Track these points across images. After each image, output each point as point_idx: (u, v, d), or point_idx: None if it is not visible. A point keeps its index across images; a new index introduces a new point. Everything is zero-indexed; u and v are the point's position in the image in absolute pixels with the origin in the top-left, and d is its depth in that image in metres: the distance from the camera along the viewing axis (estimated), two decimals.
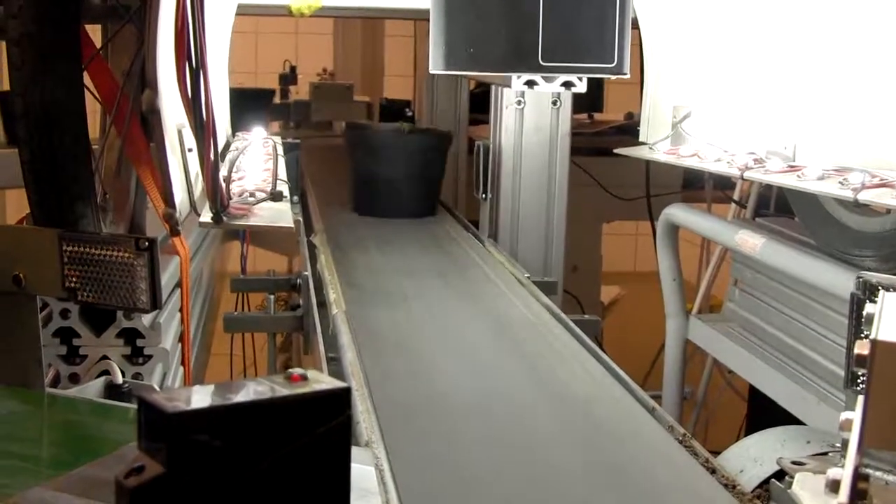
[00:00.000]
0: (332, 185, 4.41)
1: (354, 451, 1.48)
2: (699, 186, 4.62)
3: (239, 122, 2.85)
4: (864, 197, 1.86)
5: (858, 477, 1.12)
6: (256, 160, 2.04)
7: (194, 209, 1.60)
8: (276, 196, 1.70)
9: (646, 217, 4.55)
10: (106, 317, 2.01)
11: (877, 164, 1.98)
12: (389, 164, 3.84)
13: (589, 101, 5.85)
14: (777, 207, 3.58)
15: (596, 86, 5.89)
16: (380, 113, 6.53)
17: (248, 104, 6.52)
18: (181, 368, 2.33)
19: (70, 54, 1.78)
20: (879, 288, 1.40)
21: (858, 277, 1.41)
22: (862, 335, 1.42)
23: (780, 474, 1.55)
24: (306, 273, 2.87)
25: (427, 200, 3.95)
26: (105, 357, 1.99)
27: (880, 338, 1.04)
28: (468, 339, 2.35)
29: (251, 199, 1.68)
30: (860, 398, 1.11)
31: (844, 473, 1.08)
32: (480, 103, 4.73)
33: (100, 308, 1.92)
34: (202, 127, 1.38)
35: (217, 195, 1.52)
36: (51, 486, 1.27)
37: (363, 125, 4.42)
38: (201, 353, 3.45)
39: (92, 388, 1.79)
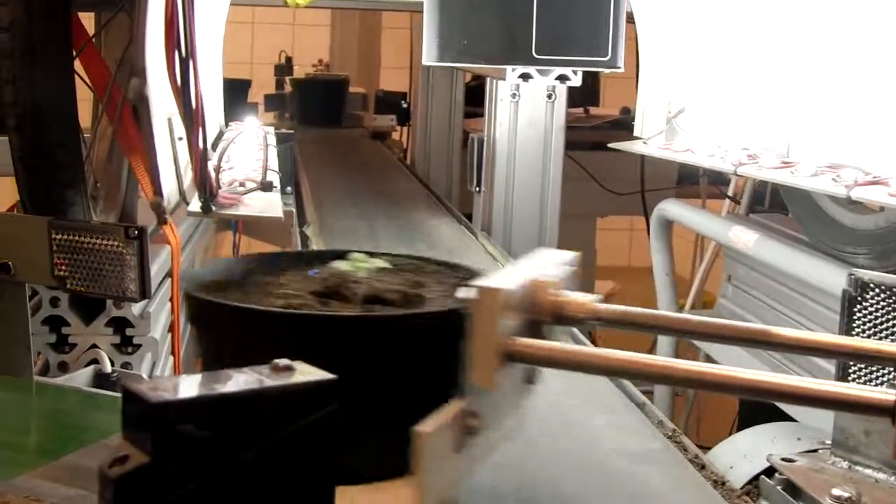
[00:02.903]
0: (327, 177, 4.41)
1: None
2: (694, 182, 4.62)
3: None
4: (857, 194, 1.86)
5: None
6: (248, 150, 2.03)
7: (184, 198, 1.60)
8: (265, 186, 1.70)
9: (640, 212, 4.54)
10: (95, 305, 2.00)
11: (870, 161, 1.98)
12: None
13: (585, 96, 5.84)
14: (771, 204, 3.57)
15: (592, 80, 5.89)
16: (375, 105, 6.54)
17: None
18: (171, 358, 2.32)
19: (61, 42, 1.77)
20: (871, 285, 1.40)
21: (850, 275, 1.41)
22: (853, 332, 1.42)
23: (770, 471, 1.55)
24: None
25: None
26: (94, 346, 1.99)
27: None
28: None
29: (241, 189, 1.68)
30: None
31: None
32: (476, 96, 4.72)
33: (89, 296, 1.91)
34: (191, 116, 1.38)
35: (206, 184, 1.51)
36: (37, 474, 1.26)
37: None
38: (192, 344, 3.44)
39: (81, 377, 1.79)
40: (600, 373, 0.88)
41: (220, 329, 1.06)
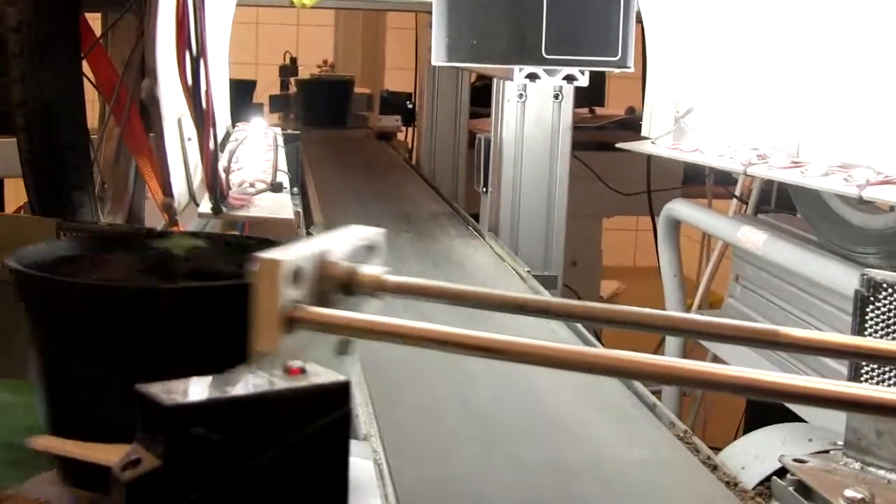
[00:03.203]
0: (333, 178, 4.41)
1: (352, 444, 1.46)
2: (700, 182, 4.61)
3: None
4: (868, 194, 1.85)
5: None
6: (256, 151, 2.03)
7: (193, 199, 1.59)
8: (275, 187, 1.69)
9: (646, 212, 4.53)
10: None
11: (882, 161, 1.97)
12: None
13: (590, 96, 5.84)
14: (778, 203, 3.57)
15: (598, 80, 5.88)
16: (380, 105, 6.53)
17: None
18: None
19: (69, 42, 1.76)
20: (884, 285, 1.39)
21: (863, 275, 1.40)
22: (866, 332, 1.41)
23: (782, 472, 1.54)
24: None
25: None
26: None
27: None
28: None
29: (251, 190, 1.67)
30: None
31: None
32: (482, 97, 4.72)
33: None
34: (202, 116, 1.37)
35: (216, 185, 1.50)
36: (48, 478, 1.26)
37: None
38: None
39: None
40: (387, 340, 0.94)
41: (42, 303, 1.13)
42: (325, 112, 6.54)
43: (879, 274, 1.41)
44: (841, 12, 2.15)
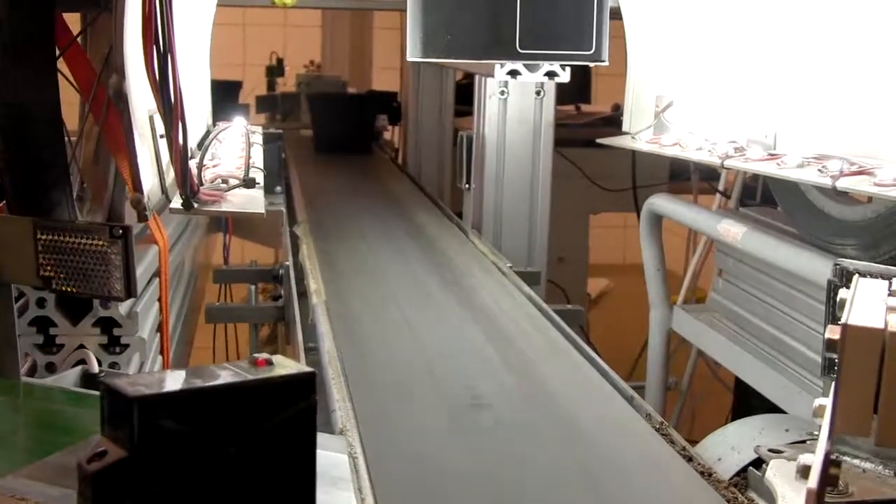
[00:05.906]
0: (317, 175, 4.42)
1: (328, 438, 1.47)
2: (685, 178, 4.62)
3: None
4: (842, 184, 1.86)
5: (829, 463, 1.12)
6: (233, 148, 2.03)
7: (166, 195, 1.59)
8: (248, 183, 1.69)
9: (633, 209, 4.54)
10: (83, 306, 1.99)
11: (858, 152, 1.98)
12: None
13: (576, 93, 5.85)
14: (762, 198, 3.58)
15: (583, 77, 5.90)
16: None
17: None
18: (160, 358, 2.31)
19: (45, 41, 1.76)
20: (856, 274, 1.40)
21: (835, 264, 1.41)
22: (838, 321, 1.42)
23: (759, 462, 1.55)
24: (288, 263, 2.86)
25: None
26: (82, 346, 1.98)
27: (850, 322, 1.04)
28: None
29: (223, 186, 1.67)
30: (833, 384, 1.11)
31: (815, 459, 1.08)
32: (467, 95, 4.72)
33: (75, 297, 1.91)
34: (170, 111, 1.37)
35: (186, 181, 1.50)
36: (23, 474, 1.26)
37: None
38: (182, 345, 3.43)
39: (68, 378, 1.78)
40: None
41: None
42: (343, 136, 5.68)
43: (852, 263, 1.41)
44: (815, 8, 2.15)
